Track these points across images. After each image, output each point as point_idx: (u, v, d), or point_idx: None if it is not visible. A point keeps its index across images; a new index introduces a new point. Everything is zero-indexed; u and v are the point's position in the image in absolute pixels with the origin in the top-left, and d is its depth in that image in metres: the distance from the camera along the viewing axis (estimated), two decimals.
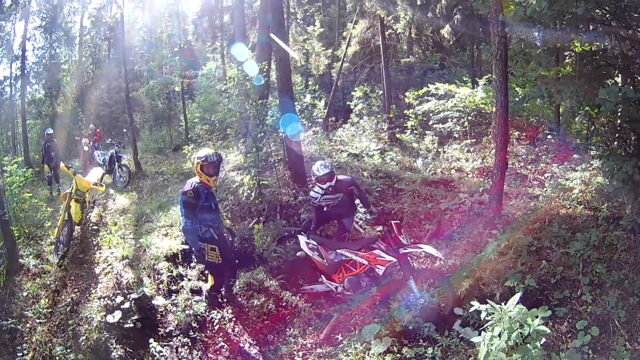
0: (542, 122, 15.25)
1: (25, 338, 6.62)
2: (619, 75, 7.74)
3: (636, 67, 6.74)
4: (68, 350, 6.27)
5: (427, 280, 7.07)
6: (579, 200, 9.08)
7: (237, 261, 7.72)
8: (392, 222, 7.11)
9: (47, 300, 7.23)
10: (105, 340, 6.39)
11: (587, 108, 7.10)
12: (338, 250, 7.39)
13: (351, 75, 24.67)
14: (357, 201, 8.22)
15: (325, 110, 20.10)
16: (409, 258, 7.17)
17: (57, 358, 6.21)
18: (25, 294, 7.30)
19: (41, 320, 6.81)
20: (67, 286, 7.57)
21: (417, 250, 7.28)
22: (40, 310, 6.95)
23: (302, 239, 7.76)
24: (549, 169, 11.52)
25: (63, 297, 7.31)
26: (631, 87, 6.00)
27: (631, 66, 6.83)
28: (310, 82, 22.72)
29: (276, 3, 11.00)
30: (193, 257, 8.32)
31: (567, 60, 9.71)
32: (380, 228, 7.73)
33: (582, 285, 6.33)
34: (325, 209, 7.89)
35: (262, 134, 10.19)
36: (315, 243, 7.60)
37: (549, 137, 13.88)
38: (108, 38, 27.14)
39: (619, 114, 6.91)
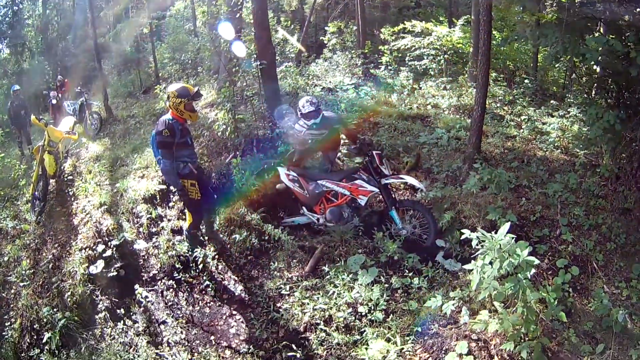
0: (519, 67, 15.33)
1: (12, 305, 6.63)
2: (602, 28, 7.76)
3: (623, 23, 6.73)
4: (55, 310, 6.20)
5: (408, 211, 7.13)
6: (555, 144, 9.23)
7: (215, 196, 7.59)
8: (374, 152, 7.06)
9: (28, 261, 7.20)
10: (90, 292, 6.37)
11: (570, 56, 7.10)
12: (319, 181, 7.36)
13: (324, 12, 24.37)
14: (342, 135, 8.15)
15: (298, 45, 19.87)
16: (390, 188, 7.27)
17: (44, 320, 6.15)
18: (6, 258, 7.31)
19: (25, 283, 6.78)
20: (47, 243, 7.54)
21: (399, 180, 7.32)
22: (23, 272, 6.91)
23: (282, 170, 7.71)
24: (525, 112, 11.61)
25: (44, 254, 7.29)
26: (618, 41, 5.98)
27: (618, 21, 6.82)
28: (282, 18, 22.26)
29: None
30: (173, 196, 8.27)
31: (549, 9, 9.66)
32: (360, 159, 7.80)
33: (560, 225, 6.50)
34: (309, 142, 7.73)
35: (236, 67, 10.01)
36: (295, 174, 7.57)
37: (525, 81, 13.95)
38: None
39: (602, 65, 6.98)
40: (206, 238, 7.38)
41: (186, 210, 7.15)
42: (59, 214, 8.18)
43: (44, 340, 5.94)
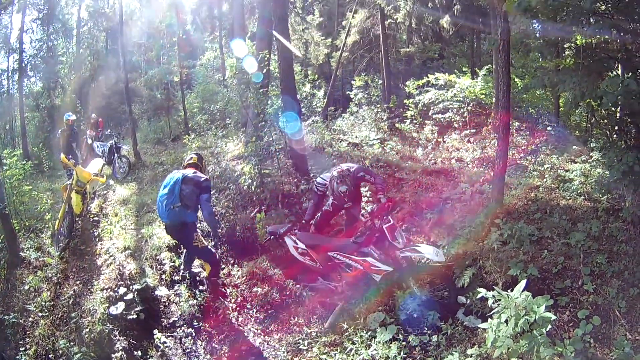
0: (541, 114, 15.30)
1: (28, 332, 6.63)
2: (619, 67, 7.76)
3: (637, 60, 6.74)
4: (71, 344, 6.28)
5: (427, 277, 7.08)
6: (578, 191, 9.11)
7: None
8: (384, 226, 6.86)
9: (49, 293, 7.24)
10: (108, 332, 6.43)
11: (588, 100, 7.11)
12: (330, 254, 7.19)
13: (350, 65, 24.65)
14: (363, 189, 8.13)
15: (325, 100, 20.19)
16: (407, 257, 7.04)
17: (60, 351, 6.22)
18: (26, 287, 7.31)
19: (43, 314, 6.83)
20: (68, 278, 7.58)
21: (415, 254, 6.99)
22: (43, 303, 6.96)
23: (290, 243, 7.49)
24: (548, 160, 11.52)
25: (65, 289, 7.32)
26: (633, 80, 5.99)
27: (633, 59, 6.83)
28: (309, 72, 22.67)
29: None
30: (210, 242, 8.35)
31: (567, 52, 9.70)
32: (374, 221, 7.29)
33: (583, 275, 6.38)
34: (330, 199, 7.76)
35: (263, 122, 10.18)
36: (304, 247, 7.35)
37: (548, 128, 13.91)
38: (106, 29, 26.62)
39: (620, 106, 6.97)
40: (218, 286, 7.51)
41: (203, 260, 7.43)
42: (82, 253, 8.25)
43: None
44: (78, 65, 24.87)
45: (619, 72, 7.59)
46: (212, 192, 6.67)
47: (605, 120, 8.49)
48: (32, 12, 23.98)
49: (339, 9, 24.12)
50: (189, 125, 17.57)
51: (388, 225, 6.81)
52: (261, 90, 10.20)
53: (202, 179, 6.84)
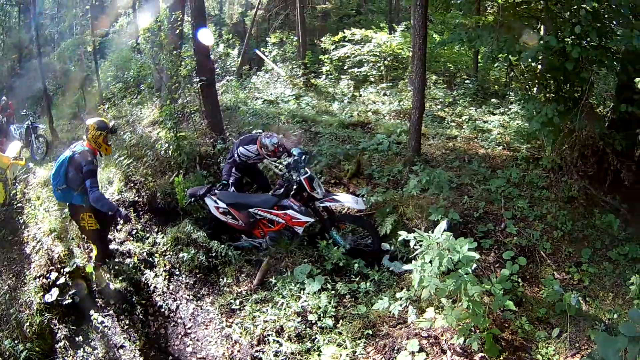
0: (459, 68, 15.61)
1: None
2: (542, 28, 7.97)
3: (560, 21, 6.93)
4: (16, 342, 6.05)
5: (349, 226, 7.22)
6: (497, 141, 9.41)
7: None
8: (302, 177, 6.79)
9: None
10: (48, 322, 6.25)
11: (506, 55, 7.28)
12: (251, 210, 7.18)
13: (265, 23, 24.52)
14: None
15: (239, 59, 19.90)
16: (328, 207, 7.12)
17: (7, 353, 5.99)
18: None
19: None
20: (1, 273, 7.36)
21: (334, 203, 7.09)
22: None
23: (211, 203, 7.41)
24: (466, 112, 11.80)
25: (0, 285, 7.07)
26: (554, 37, 6.17)
27: (555, 19, 7.02)
28: (223, 31, 22.24)
29: None
30: (120, 220, 8.09)
31: (488, 11, 9.88)
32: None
33: (505, 219, 6.65)
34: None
35: (177, 85, 9.94)
36: (224, 206, 7.29)
37: (466, 82, 14.21)
38: (18, 3, 25.39)
39: (539, 61, 7.17)
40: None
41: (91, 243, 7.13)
42: (11, 243, 8.00)
43: None
44: None
45: (541, 32, 7.84)
46: (98, 170, 6.34)
47: (525, 75, 8.72)
48: None
49: None
50: (104, 96, 17.00)
51: (305, 177, 6.77)
52: (174, 52, 9.94)
53: (84, 163, 6.18)
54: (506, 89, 14.13)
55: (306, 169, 6.90)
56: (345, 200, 6.87)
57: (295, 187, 6.88)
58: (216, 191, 7.44)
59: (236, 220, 7.26)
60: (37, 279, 6.79)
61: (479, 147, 9.34)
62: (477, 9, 10.22)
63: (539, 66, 8.26)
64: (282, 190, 7.03)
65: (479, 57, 14.84)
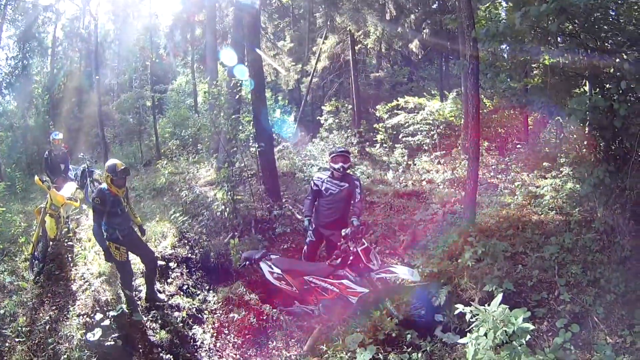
0: (510, 133, 15.53)
1: (5, 358, 6.49)
2: (587, 84, 7.93)
3: (604, 76, 6.91)
4: None
5: (403, 297, 7.06)
6: (550, 206, 9.25)
7: (154, 255, 7.84)
8: (359, 249, 6.79)
9: (25, 318, 7.08)
10: (86, 359, 6.31)
11: (557, 117, 7.26)
12: (306, 277, 7.20)
13: (320, 90, 24.89)
14: None
15: (295, 125, 20.23)
16: (383, 278, 7.06)
17: None
18: (2, 311, 7.15)
19: (20, 339, 6.69)
20: (44, 304, 7.44)
21: (390, 275, 7.03)
22: (19, 328, 6.82)
23: (265, 268, 7.50)
24: (519, 178, 11.69)
25: (41, 315, 7.18)
26: (600, 96, 6.16)
27: (600, 76, 7.00)
28: (279, 98, 22.74)
29: (252, 20, 11.07)
30: (172, 272, 8.29)
31: (535, 72, 9.89)
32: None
33: (558, 286, 6.48)
34: (324, 196, 7.78)
35: (235, 148, 10.20)
36: (279, 271, 7.37)
37: (518, 146, 14.12)
38: (80, 50, 26.52)
39: (588, 121, 7.12)
40: (147, 298, 7.63)
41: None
42: (57, 278, 8.10)
43: None
44: (52, 85, 24.50)
45: (586, 88, 7.80)
46: (105, 208, 6.78)
47: (574, 136, 8.64)
48: (10, 28, 23.81)
49: (310, 35, 24.16)
50: (161, 151, 17.43)
51: (362, 248, 6.77)
52: (233, 117, 10.22)
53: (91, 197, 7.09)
54: (556, 150, 13.98)
55: (363, 240, 6.91)
56: (401, 272, 6.81)
57: (352, 257, 6.84)
58: (271, 256, 7.54)
59: (290, 287, 7.27)
60: (81, 317, 6.95)
61: (532, 213, 9.20)
62: (525, 73, 10.25)
63: (586, 127, 8.19)
64: (339, 260, 6.97)
65: (529, 120, 14.82)
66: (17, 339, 6.66)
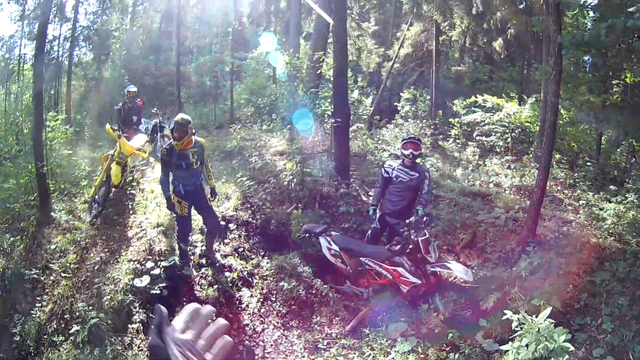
0: (582, 148, 15.21)
1: (47, 290, 6.91)
2: None
3: None
4: (90, 308, 6.51)
5: (453, 295, 7.19)
6: (610, 231, 9.11)
7: (218, 219, 8.11)
8: (420, 239, 6.86)
9: (75, 255, 7.51)
10: (129, 302, 6.65)
11: (631, 140, 7.14)
12: (362, 259, 7.31)
13: (400, 77, 24.67)
14: None
15: (371, 108, 20.30)
16: (437, 272, 7.10)
17: (77, 313, 6.46)
18: (53, 247, 7.57)
19: (66, 275, 7.09)
20: (97, 245, 7.84)
21: (444, 270, 7.04)
22: (67, 264, 7.23)
23: (324, 243, 7.65)
24: (584, 197, 11.51)
25: (92, 255, 7.59)
26: None
27: None
28: (359, 78, 22.68)
29: None
30: (230, 233, 8.56)
31: (615, 89, 9.70)
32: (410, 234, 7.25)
33: (603, 314, 6.43)
34: (393, 183, 7.85)
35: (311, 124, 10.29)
36: (337, 249, 7.48)
37: (587, 164, 13.86)
38: (161, 11, 26.95)
39: None
40: (204, 256, 7.89)
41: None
42: (114, 223, 8.52)
43: (71, 331, 6.28)
44: (130, 42, 25.09)
45: None
46: (171, 160, 7.06)
47: None
48: None
49: (395, 20, 24.06)
50: (235, 116, 17.73)
51: (423, 239, 6.82)
52: (312, 91, 10.31)
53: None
54: (625, 175, 13.65)
55: (425, 231, 6.97)
56: (456, 270, 6.82)
57: (411, 246, 6.94)
58: (332, 233, 7.69)
59: (345, 265, 7.41)
60: (132, 263, 7.26)
61: (591, 235, 9.08)
62: (605, 88, 10.04)
63: None
64: (399, 247, 7.08)
65: (602, 138, 14.48)
66: (63, 274, 7.07)
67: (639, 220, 9.01)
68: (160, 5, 26.81)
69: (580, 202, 11.07)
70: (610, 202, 10.84)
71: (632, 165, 13.30)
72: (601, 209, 10.31)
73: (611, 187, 11.69)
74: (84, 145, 14.82)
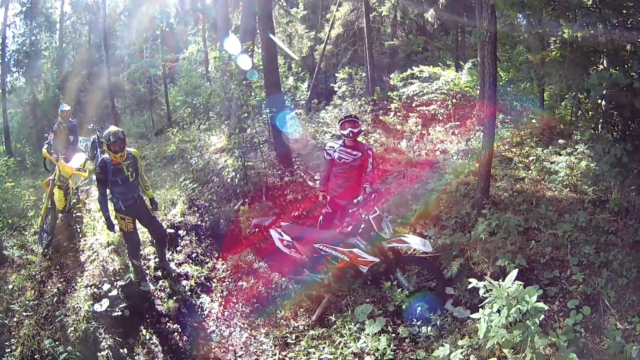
0: (525, 107, 15.33)
1: (13, 332, 6.51)
2: (605, 61, 7.76)
3: (625, 53, 6.74)
4: (57, 343, 6.19)
5: (415, 267, 7.07)
6: (564, 183, 9.17)
7: (163, 228, 7.86)
8: (370, 217, 6.67)
9: (33, 292, 7.13)
10: (94, 330, 6.37)
11: (575, 92, 7.12)
12: (316, 245, 7.07)
13: (334, 58, 24.51)
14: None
15: (308, 93, 20.23)
16: (394, 248, 6.92)
17: (45, 352, 6.13)
18: (10, 286, 7.19)
19: (28, 313, 6.71)
20: (52, 276, 7.50)
21: (401, 244, 6.85)
22: (27, 302, 6.85)
23: (275, 235, 7.40)
24: (533, 153, 11.56)
25: (49, 287, 7.24)
26: (621, 73, 6.00)
27: (619, 52, 6.83)
28: (292, 64, 22.57)
29: None
30: (181, 241, 8.33)
31: (553, 46, 9.70)
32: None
33: (571, 265, 6.41)
34: (337, 164, 7.62)
35: (246, 114, 10.15)
36: (289, 239, 7.26)
37: (533, 121, 13.95)
38: (89, 23, 26.56)
39: (607, 98, 6.96)
40: (160, 268, 7.74)
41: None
42: (66, 249, 8.17)
43: None
44: (61, 60, 24.76)
45: (605, 65, 7.62)
46: (106, 177, 6.91)
47: (591, 113, 8.48)
48: (16, 5, 23.63)
49: (323, 2, 24.09)
50: (172, 119, 17.43)
51: (374, 216, 6.66)
52: (244, 82, 10.13)
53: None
54: (572, 127, 13.80)
55: (375, 208, 6.81)
56: (413, 242, 6.64)
57: (363, 225, 6.75)
58: (281, 223, 7.49)
59: (300, 255, 7.19)
60: (89, 288, 6.99)
61: (546, 189, 9.11)
62: (543, 46, 10.05)
63: (604, 104, 8.01)
64: (350, 228, 6.88)
65: (545, 95, 14.61)
66: (25, 313, 6.68)
67: (592, 169, 9.03)
68: (87, 16, 26.45)
69: (530, 158, 11.11)
70: (560, 155, 10.91)
71: (579, 117, 13.43)
72: (552, 163, 10.36)
73: (559, 140, 11.78)
74: (26, 174, 14.57)
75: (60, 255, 7.96)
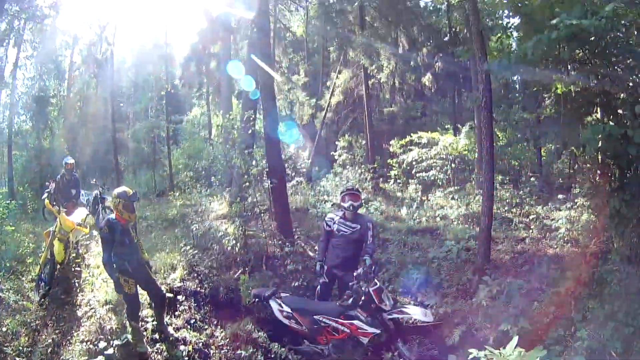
0: (523, 165, 15.41)
1: None
2: (599, 111, 7.87)
3: (617, 102, 6.87)
4: None
5: (416, 338, 7.01)
6: (565, 239, 9.18)
7: (163, 292, 7.71)
8: (371, 289, 6.66)
9: (27, 338, 7.05)
10: None
11: (572, 148, 7.19)
12: (316, 317, 7.05)
13: (334, 125, 24.78)
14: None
15: (309, 161, 20.31)
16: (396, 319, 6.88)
17: None
18: (4, 329, 7.10)
19: (21, 359, 6.65)
20: (48, 326, 7.40)
21: (403, 316, 6.83)
22: (20, 348, 6.79)
23: (275, 306, 7.38)
24: (533, 211, 11.56)
25: (44, 337, 7.15)
26: (614, 124, 6.13)
27: (611, 102, 6.96)
28: (294, 132, 22.82)
29: (264, 48, 11.19)
30: (180, 305, 8.23)
31: (547, 102, 9.85)
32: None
33: (575, 322, 6.34)
34: (335, 236, 7.67)
35: (248, 183, 10.18)
36: (289, 310, 7.24)
37: (532, 179, 14.01)
38: (97, 76, 26.68)
39: (602, 150, 7.02)
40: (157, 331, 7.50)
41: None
42: (62, 302, 8.06)
43: None
44: (68, 109, 24.93)
45: (599, 116, 7.72)
46: (113, 237, 6.74)
47: (588, 165, 8.54)
48: (27, 48, 23.61)
49: (324, 69, 24.43)
50: (174, 182, 17.57)
51: (374, 288, 6.66)
52: (246, 151, 10.24)
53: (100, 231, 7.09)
54: (570, 181, 13.83)
55: (375, 280, 6.82)
56: (414, 313, 6.65)
57: (363, 298, 6.71)
58: (281, 294, 7.48)
59: (299, 326, 7.14)
60: (84, 343, 6.88)
61: (547, 247, 9.10)
62: (538, 104, 10.19)
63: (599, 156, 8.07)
64: (350, 300, 6.84)
65: (542, 151, 14.70)
66: (17, 358, 6.62)
67: (592, 222, 9.02)
68: (95, 69, 26.67)
69: (530, 217, 11.11)
70: (560, 210, 10.91)
71: (576, 170, 13.48)
72: (552, 220, 10.35)
73: (559, 196, 11.78)
74: (27, 219, 14.19)
75: (57, 307, 7.88)
